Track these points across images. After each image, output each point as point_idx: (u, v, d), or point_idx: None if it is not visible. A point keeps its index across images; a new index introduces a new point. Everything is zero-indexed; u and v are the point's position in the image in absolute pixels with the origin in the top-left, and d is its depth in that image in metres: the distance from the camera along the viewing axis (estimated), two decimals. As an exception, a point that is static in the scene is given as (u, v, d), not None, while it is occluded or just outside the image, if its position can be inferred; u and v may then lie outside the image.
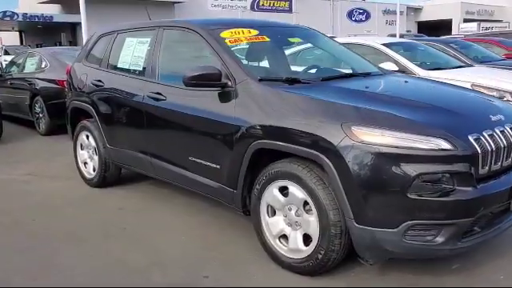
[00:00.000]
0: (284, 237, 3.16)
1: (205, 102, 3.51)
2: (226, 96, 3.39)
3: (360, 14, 43.42)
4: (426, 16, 48.06)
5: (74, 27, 31.66)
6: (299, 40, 4.28)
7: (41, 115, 8.11)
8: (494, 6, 48.89)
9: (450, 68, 6.85)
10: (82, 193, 4.93)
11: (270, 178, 3.11)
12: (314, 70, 3.96)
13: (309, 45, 4.45)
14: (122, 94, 4.38)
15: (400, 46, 7.45)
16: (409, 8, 47.65)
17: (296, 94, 3.13)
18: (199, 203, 4.34)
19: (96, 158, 4.90)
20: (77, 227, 4.00)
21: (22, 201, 4.74)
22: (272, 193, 3.13)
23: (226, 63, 3.46)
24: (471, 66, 7.39)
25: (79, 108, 5.04)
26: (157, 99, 3.91)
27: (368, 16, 43.27)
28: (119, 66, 4.56)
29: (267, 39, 3.89)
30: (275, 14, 36.81)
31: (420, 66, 6.71)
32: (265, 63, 3.89)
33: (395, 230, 2.63)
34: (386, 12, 45.52)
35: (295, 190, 2.98)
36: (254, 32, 3.86)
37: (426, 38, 14.68)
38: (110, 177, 4.92)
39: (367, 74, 3.87)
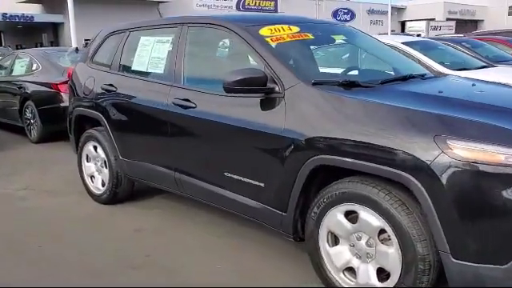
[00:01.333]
0: (349, 270, 2.68)
1: (245, 110, 3.02)
2: (271, 103, 2.90)
3: (345, 13, 43.34)
4: (409, 16, 48.03)
5: (55, 27, 30.78)
6: (342, 37, 3.79)
7: (32, 121, 7.50)
8: (476, 5, 49.17)
9: (474, 68, 6.46)
10: (89, 211, 4.38)
11: (334, 200, 2.63)
12: (365, 72, 3.49)
13: (353, 43, 3.96)
14: (139, 100, 3.85)
15: (419, 44, 7.04)
16: (393, 8, 47.58)
17: (364, 100, 2.64)
18: (224, 222, 3.85)
19: (106, 171, 4.36)
20: (91, 255, 3.46)
21: (22, 221, 4.18)
22: (335, 218, 2.65)
23: (270, 65, 2.97)
24: (494, 66, 7.01)
25: (85, 115, 4.49)
26: (185, 107, 3.39)
27: (353, 16, 43.19)
28: (134, 68, 4.03)
29: (311, 37, 3.41)
30: (261, 14, 36.48)
31: (444, 66, 6.30)
32: (313, 64, 3.40)
33: (505, 266, 2.17)
34: (371, 12, 45.46)
35: (368, 216, 2.50)
36: (295, 29, 3.37)
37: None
38: (121, 192, 4.38)
39: (422, 76, 3.40)
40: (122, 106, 4.03)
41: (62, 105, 7.00)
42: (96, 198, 4.52)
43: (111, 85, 4.13)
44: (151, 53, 3.89)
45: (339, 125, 2.60)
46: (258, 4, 39.60)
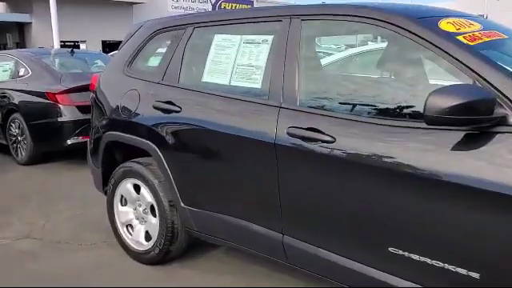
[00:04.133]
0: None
1: (444, 151, 1.88)
2: (494, 140, 1.78)
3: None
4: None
5: (21, 28, 28.82)
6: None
7: (20, 138, 6.11)
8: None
9: None
10: (133, 275, 3.15)
11: None
12: None
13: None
14: (220, 127, 2.64)
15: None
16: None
17: None
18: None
19: (154, 220, 3.13)
20: None
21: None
22: None
23: (489, 79, 1.84)
24: None
25: (123, 142, 3.25)
26: (314, 140, 2.23)
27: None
28: (207, 79, 2.83)
29: (504, 36, 2.31)
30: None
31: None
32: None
33: None
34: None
35: None
36: (477, 25, 2.26)
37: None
38: (175, 250, 3.16)
39: None
40: (191, 133, 2.82)
41: (59, 119, 5.69)
42: (136, 255, 3.28)
43: (170, 103, 2.91)
44: (236, 58, 2.70)
45: None
46: (233, 7, 38.42)
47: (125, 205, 3.37)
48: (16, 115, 6.12)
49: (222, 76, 2.75)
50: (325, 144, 2.19)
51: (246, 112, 2.56)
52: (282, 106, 2.41)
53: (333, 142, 2.17)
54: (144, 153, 3.14)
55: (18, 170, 6.02)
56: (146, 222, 3.23)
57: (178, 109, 2.85)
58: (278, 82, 2.46)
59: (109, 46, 28.56)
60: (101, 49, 26.44)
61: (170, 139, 2.90)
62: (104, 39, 29.87)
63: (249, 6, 39.65)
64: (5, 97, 6.32)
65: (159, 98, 3.00)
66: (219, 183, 2.72)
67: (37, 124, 5.89)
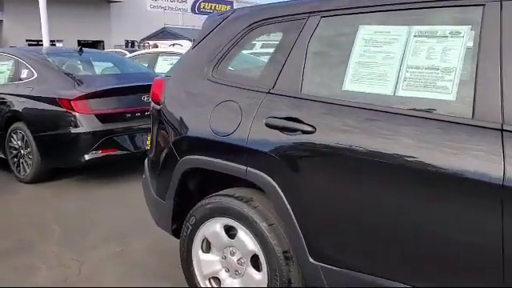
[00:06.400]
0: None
1: None
2: None
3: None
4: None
5: (-9, 25, 27.31)
6: None
7: (23, 152, 5.17)
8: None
9: None
10: None
11: None
12: None
13: None
14: (389, 157, 1.86)
15: None
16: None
17: None
18: None
19: (257, 275, 2.32)
20: None
21: None
22: None
23: None
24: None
25: (212, 170, 2.44)
26: None
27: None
28: (352, 88, 2.03)
29: None
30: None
31: None
32: None
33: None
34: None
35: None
36: None
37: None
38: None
39: None
40: (332, 162, 2.01)
41: (75, 130, 4.79)
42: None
43: (296, 120, 2.10)
44: (404, 58, 1.92)
45: None
46: (213, 7, 37.44)
47: (207, 251, 2.55)
48: (18, 125, 5.18)
49: (379, 83, 1.96)
50: None
51: (431, 137, 1.78)
52: (505, 128, 1.65)
53: None
54: (232, 182, 2.37)
55: (22, 190, 5.07)
56: (241, 275, 2.41)
57: (311, 129, 2.05)
58: (491, 93, 1.70)
59: (84, 46, 27.30)
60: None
61: (295, 169, 2.10)
62: (80, 39, 28.60)
63: (228, 7, 38.77)
64: (3, 103, 5.37)
65: (274, 113, 2.19)
66: (384, 233, 1.93)
67: (46, 136, 4.97)
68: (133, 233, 3.78)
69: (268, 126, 2.19)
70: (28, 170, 5.17)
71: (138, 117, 5.13)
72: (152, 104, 2.88)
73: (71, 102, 4.74)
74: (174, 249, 3.04)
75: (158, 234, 2.97)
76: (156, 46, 18.20)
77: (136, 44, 25.27)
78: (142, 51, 10.58)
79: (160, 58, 8.16)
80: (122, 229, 3.88)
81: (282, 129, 2.15)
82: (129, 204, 4.41)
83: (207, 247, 2.55)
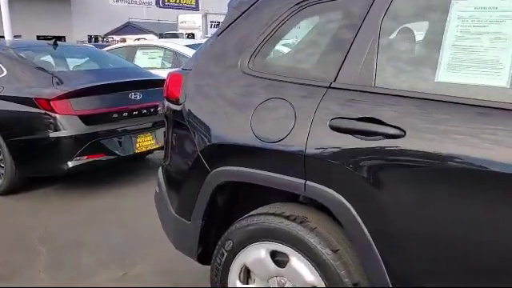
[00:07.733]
0: None
1: None
2: None
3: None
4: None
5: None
6: None
7: (-6, 161, 4.56)
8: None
9: None
10: None
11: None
12: None
13: None
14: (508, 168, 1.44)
15: None
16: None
17: None
18: None
19: (318, 313, 1.89)
20: None
21: None
22: None
23: None
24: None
25: (249, 185, 1.98)
26: None
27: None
28: (449, 79, 1.59)
29: None
30: (182, 11, 33.63)
31: None
32: None
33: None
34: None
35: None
36: None
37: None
38: None
39: None
40: (430, 175, 1.58)
41: (53, 134, 4.22)
42: None
43: (375, 121, 1.66)
44: (520, 40, 1.51)
45: None
46: (178, 1, 36.61)
47: (246, 281, 2.10)
48: (-12, 130, 4.55)
49: (490, 72, 1.54)
50: None
51: None
52: None
53: None
54: (266, 197, 1.95)
55: (-4, 204, 4.46)
56: (294, 311, 1.97)
57: (398, 132, 1.62)
58: None
59: (44, 42, 26.14)
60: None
61: (375, 184, 1.67)
62: (39, 34, 27.38)
63: (193, 0, 37.96)
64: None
65: (341, 113, 1.75)
66: (490, 259, 1.52)
67: (20, 141, 4.36)
68: (133, 252, 3.28)
69: (334, 128, 1.74)
70: (1, 181, 4.55)
71: (125, 117, 4.59)
72: (167, 103, 2.39)
73: (50, 103, 4.16)
74: (188, 270, 2.61)
75: (163, 252, 2.56)
76: (124, 41, 17.47)
77: (100, 39, 24.30)
78: (118, 45, 9.93)
79: (139, 52, 7.57)
80: (119, 247, 3.37)
81: (356, 132, 1.70)
82: (122, 217, 3.88)
83: (245, 276, 2.09)
